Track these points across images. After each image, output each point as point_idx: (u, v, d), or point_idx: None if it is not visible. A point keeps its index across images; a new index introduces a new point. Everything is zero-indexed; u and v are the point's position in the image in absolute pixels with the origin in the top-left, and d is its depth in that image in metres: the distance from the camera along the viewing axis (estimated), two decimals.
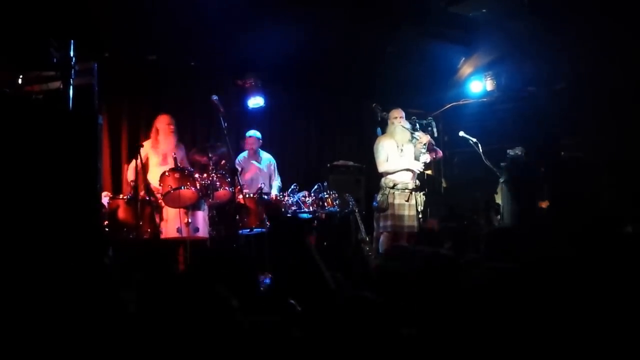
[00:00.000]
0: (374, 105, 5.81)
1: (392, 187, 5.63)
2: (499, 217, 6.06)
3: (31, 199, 3.42)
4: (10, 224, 2.77)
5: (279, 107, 7.14)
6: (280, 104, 7.10)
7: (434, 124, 5.78)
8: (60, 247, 3.25)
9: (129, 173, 5.50)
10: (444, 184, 7.33)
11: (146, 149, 5.65)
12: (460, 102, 7.33)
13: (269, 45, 6.03)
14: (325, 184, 5.94)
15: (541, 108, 6.56)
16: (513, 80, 6.87)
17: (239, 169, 5.83)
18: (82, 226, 3.60)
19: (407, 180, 5.65)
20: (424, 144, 5.62)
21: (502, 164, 6.17)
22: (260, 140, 6.25)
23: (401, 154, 5.68)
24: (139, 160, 5.11)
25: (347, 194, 6.01)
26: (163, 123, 5.62)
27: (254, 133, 6.25)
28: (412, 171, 5.66)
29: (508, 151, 6.16)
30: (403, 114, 5.76)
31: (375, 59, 6.82)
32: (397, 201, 5.60)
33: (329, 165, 6.84)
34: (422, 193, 5.71)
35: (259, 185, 5.69)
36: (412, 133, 5.62)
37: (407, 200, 5.58)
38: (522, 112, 6.75)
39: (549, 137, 6.46)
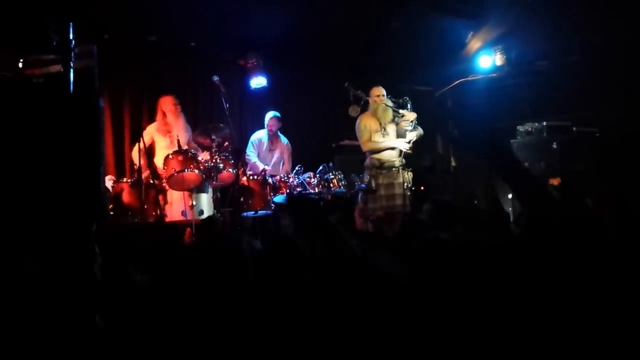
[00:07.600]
0: (346, 84, 5.57)
1: (379, 167, 5.42)
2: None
3: (33, 184, 3.36)
4: (12, 211, 2.73)
5: (282, 87, 7.00)
6: (283, 83, 6.96)
7: (409, 104, 5.56)
8: (61, 232, 3.20)
9: (134, 156, 5.44)
10: (453, 163, 7.17)
11: (151, 132, 5.60)
12: (469, 78, 7.13)
13: (271, 24, 5.89)
14: (330, 164, 5.83)
15: (553, 83, 6.36)
16: (523, 55, 6.65)
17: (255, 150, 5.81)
18: (85, 210, 3.55)
19: (393, 158, 5.44)
20: (410, 122, 5.41)
21: (512, 140, 6.02)
22: (280, 122, 6.19)
23: (384, 133, 5.47)
24: (141, 144, 5.06)
25: (353, 175, 5.89)
26: (169, 104, 5.57)
27: (275, 113, 6.17)
28: (398, 149, 5.47)
29: (518, 127, 6.00)
30: (384, 92, 5.55)
31: (381, 34, 6.65)
32: (385, 181, 5.39)
33: (334, 145, 6.71)
34: (409, 170, 5.51)
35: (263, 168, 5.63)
36: (395, 111, 5.44)
37: (395, 179, 5.39)
38: (533, 88, 6.55)
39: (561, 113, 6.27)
